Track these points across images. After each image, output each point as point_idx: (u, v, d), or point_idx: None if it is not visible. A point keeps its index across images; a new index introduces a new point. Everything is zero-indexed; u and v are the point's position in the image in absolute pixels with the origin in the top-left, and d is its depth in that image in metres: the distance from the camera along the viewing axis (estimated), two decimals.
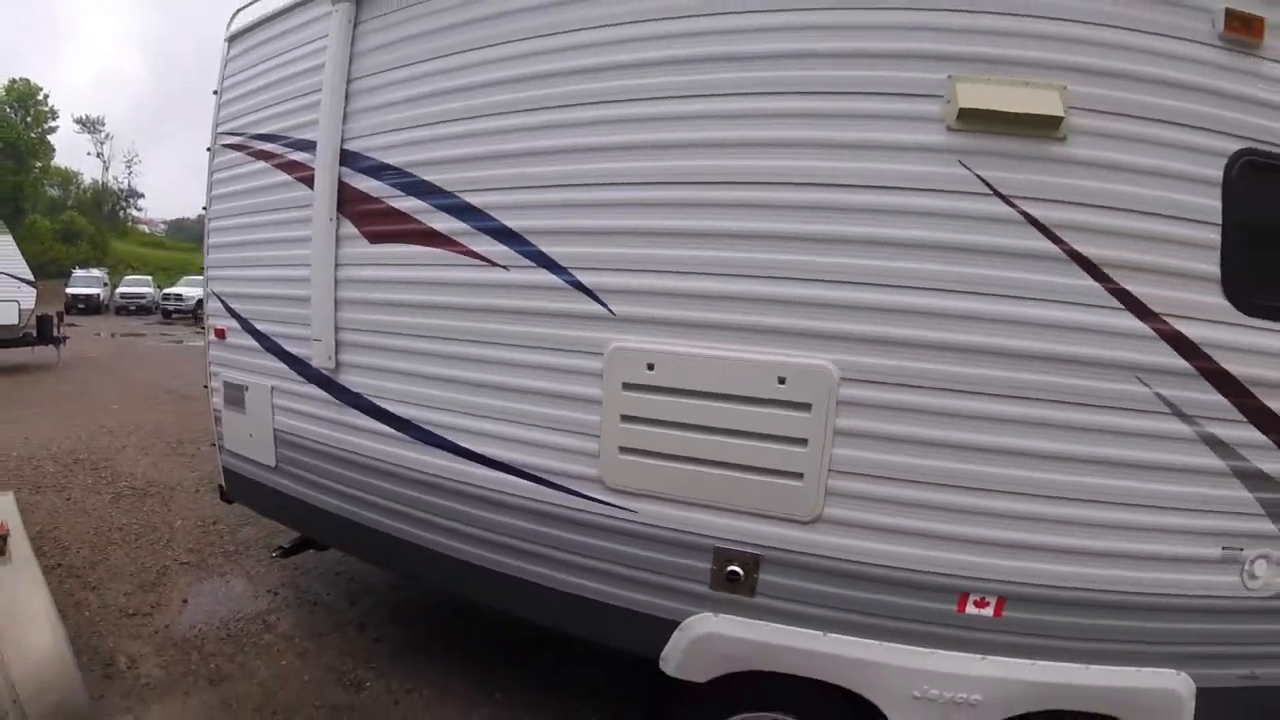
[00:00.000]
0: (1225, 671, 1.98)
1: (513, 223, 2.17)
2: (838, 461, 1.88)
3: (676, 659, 2.08)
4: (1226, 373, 1.82)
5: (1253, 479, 1.86)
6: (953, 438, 1.83)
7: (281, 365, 2.96)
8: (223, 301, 3.31)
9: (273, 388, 3.01)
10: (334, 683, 3.09)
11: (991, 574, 1.87)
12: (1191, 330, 1.81)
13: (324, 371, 2.71)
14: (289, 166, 2.90)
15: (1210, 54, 1.81)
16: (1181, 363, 1.81)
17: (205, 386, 3.57)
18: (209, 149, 3.45)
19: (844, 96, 1.85)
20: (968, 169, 1.78)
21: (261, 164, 3.06)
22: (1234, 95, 1.82)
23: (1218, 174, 1.81)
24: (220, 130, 3.34)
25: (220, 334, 3.36)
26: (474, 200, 2.24)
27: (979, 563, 1.87)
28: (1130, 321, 1.79)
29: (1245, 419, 1.84)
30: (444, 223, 2.30)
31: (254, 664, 3.20)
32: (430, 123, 2.36)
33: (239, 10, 3.34)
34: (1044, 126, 1.76)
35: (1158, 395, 1.80)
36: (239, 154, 3.20)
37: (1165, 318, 1.80)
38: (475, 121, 2.26)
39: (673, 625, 2.08)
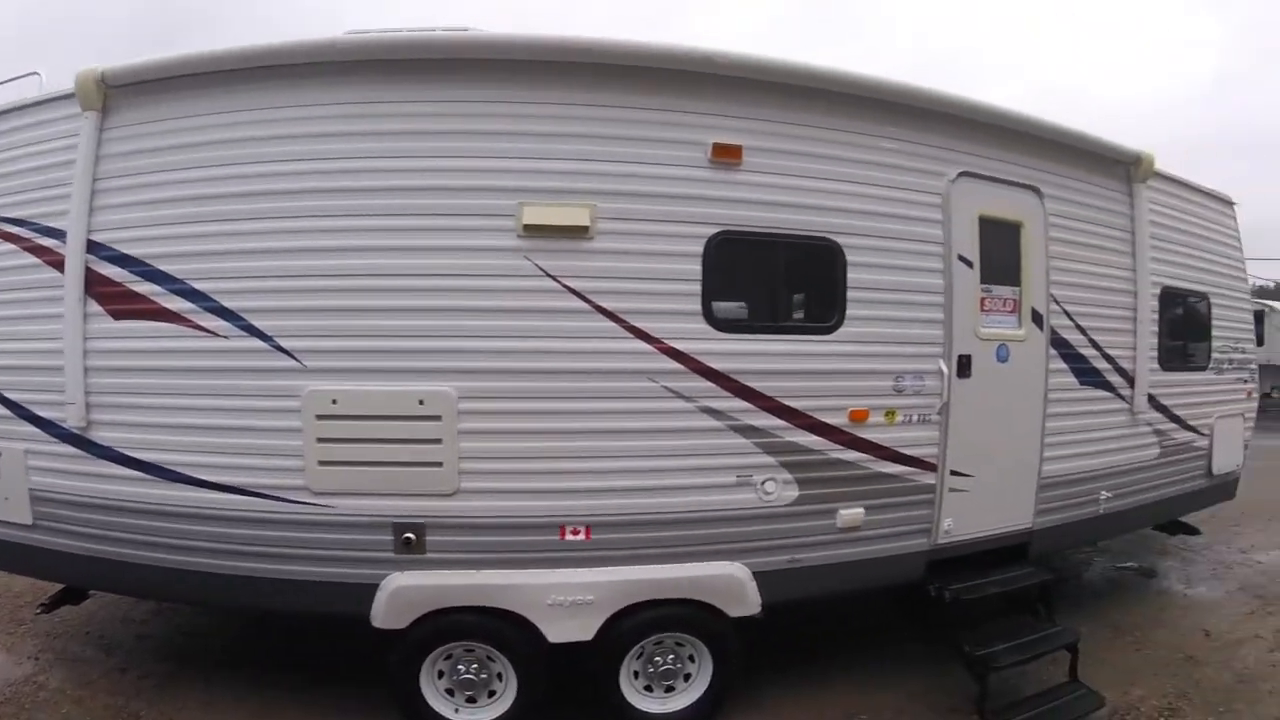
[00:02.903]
0: (772, 559, 3.05)
1: (229, 303, 2.89)
2: (463, 451, 2.83)
3: (381, 613, 2.87)
4: (710, 368, 2.95)
5: (744, 430, 2.99)
6: (539, 427, 2.86)
7: (33, 429, 3.32)
8: None
9: (26, 450, 3.34)
10: (113, 719, 3.37)
11: (578, 511, 2.89)
12: (683, 345, 2.93)
13: (76, 430, 3.17)
14: (37, 250, 3.27)
15: (700, 173, 2.93)
16: (677, 365, 2.92)
17: None
18: None
19: (456, 216, 2.83)
20: (530, 260, 2.84)
21: (9, 245, 3.37)
22: (716, 197, 2.95)
23: (699, 248, 2.94)
24: None
25: None
26: (199, 285, 2.92)
27: (567, 505, 2.88)
28: (639, 344, 2.90)
29: (729, 394, 2.97)
30: (175, 302, 2.95)
31: (37, 717, 3.37)
32: (164, 223, 2.98)
33: None
34: (578, 232, 2.85)
35: (664, 387, 2.92)
36: None
37: (663, 339, 2.92)
38: (200, 225, 2.95)
39: (374, 588, 2.87)
